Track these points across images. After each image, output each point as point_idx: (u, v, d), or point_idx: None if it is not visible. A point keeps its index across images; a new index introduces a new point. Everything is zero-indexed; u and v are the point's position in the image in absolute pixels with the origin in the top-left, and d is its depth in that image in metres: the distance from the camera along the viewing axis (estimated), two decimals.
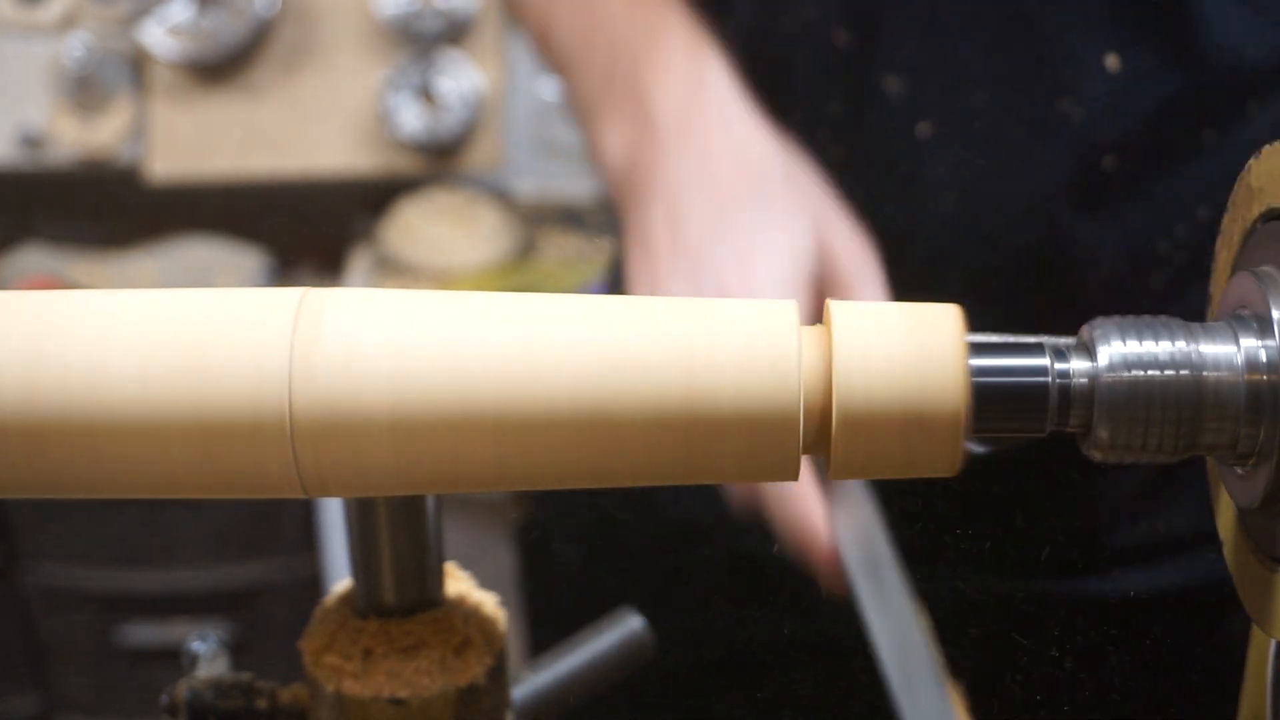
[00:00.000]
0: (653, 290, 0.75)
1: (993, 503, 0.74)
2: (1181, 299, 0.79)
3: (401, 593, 0.57)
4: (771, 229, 0.73)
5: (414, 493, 0.55)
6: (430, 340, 0.43)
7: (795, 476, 0.44)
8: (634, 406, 0.42)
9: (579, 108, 0.86)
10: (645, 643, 0.66)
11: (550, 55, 0.90)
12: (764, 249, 0.72)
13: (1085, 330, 0.45)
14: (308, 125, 2.22)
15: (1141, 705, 0.79)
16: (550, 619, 0.75)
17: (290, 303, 0.43)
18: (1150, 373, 0.43)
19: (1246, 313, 0.45)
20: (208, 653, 0.61)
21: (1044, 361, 0.44)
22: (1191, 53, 0.77)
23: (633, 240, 0.78)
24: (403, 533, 0.57)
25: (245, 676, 0.60)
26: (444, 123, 2.20)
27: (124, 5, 2.19)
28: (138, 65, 2.20)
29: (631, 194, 0.79)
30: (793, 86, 0.83)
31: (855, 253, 0.75)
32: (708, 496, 0.70)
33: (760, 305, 0.44)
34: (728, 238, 0.73)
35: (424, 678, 0.55)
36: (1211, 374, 0.43)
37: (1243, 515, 0.46)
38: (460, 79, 2.21)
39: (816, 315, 0.71)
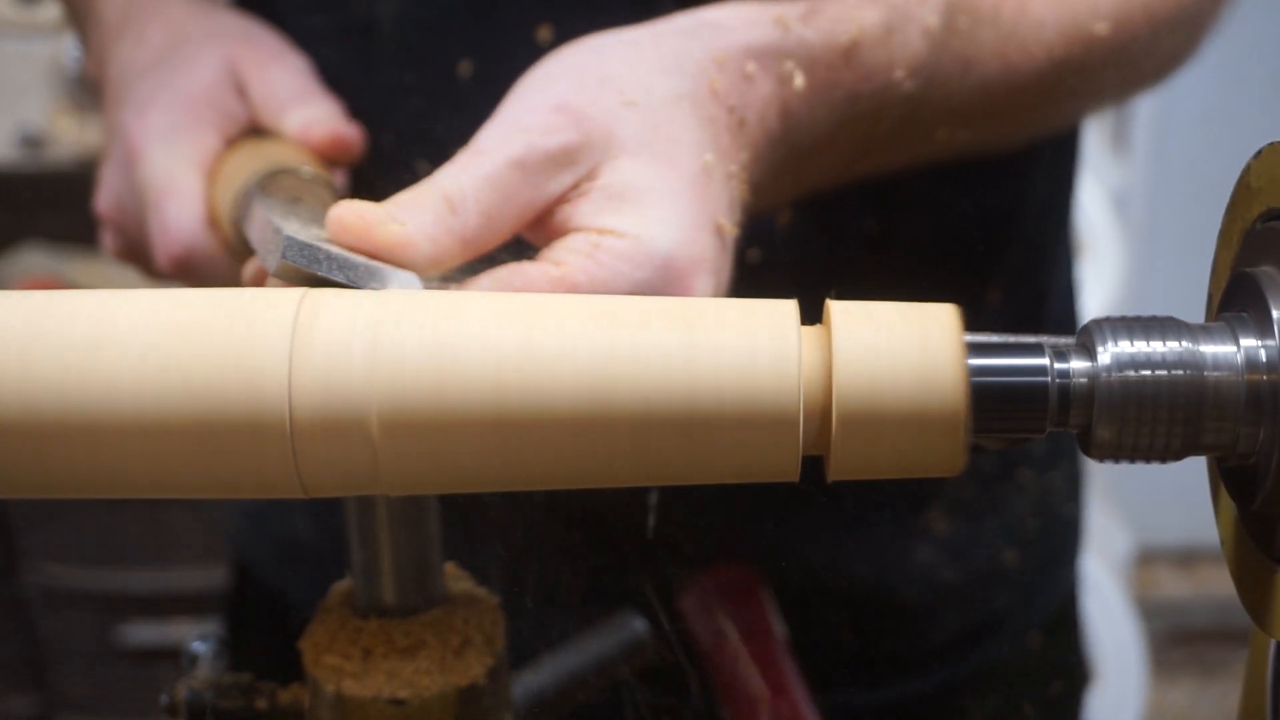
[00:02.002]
0: (104, 166, 0.77)
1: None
2: None
3: (401, 593, 0.57)
4: (172, 77, 0.75)
5: (413, 492, 0.55)
6: (430, 340, 0.43)
7: (795, 476, 0.44)
8: (633, 407, 0.42)
9: (80, 42, 0.92)
10: (645, 643, 0.66)
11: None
12: (159, 96, 0.74)
13: (1085, 330, 0.45)
14: None
15: None
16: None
17: (290, 303, 0.43)
18: (1150, 373, 0.43)
19: (1246, 313, 0.45)
20: (208, 653, 0.61)
21: (1044, 361, 0.44)
22: None
23: (106, 132, 0.81)
24: (403, 533, 0.57)
25: (245, 676, 0.60)
26: None
27: None
28: None
29: (102, 93, 0.82)
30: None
31: (276, 72, 0.76)
32: None
33: (760, 305, 0.44)
34: (135, 97, 0.75)
35: (424, 678, 0.55)
36: (1211, 374, 0.43)
37: (1243, 515, 0.46)
38: None
39: (222, 142, 0.72)
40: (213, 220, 0.70)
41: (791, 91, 0.61)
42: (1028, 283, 0.91)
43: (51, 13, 2.21)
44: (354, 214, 0.52)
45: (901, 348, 0.42)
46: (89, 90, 2.17)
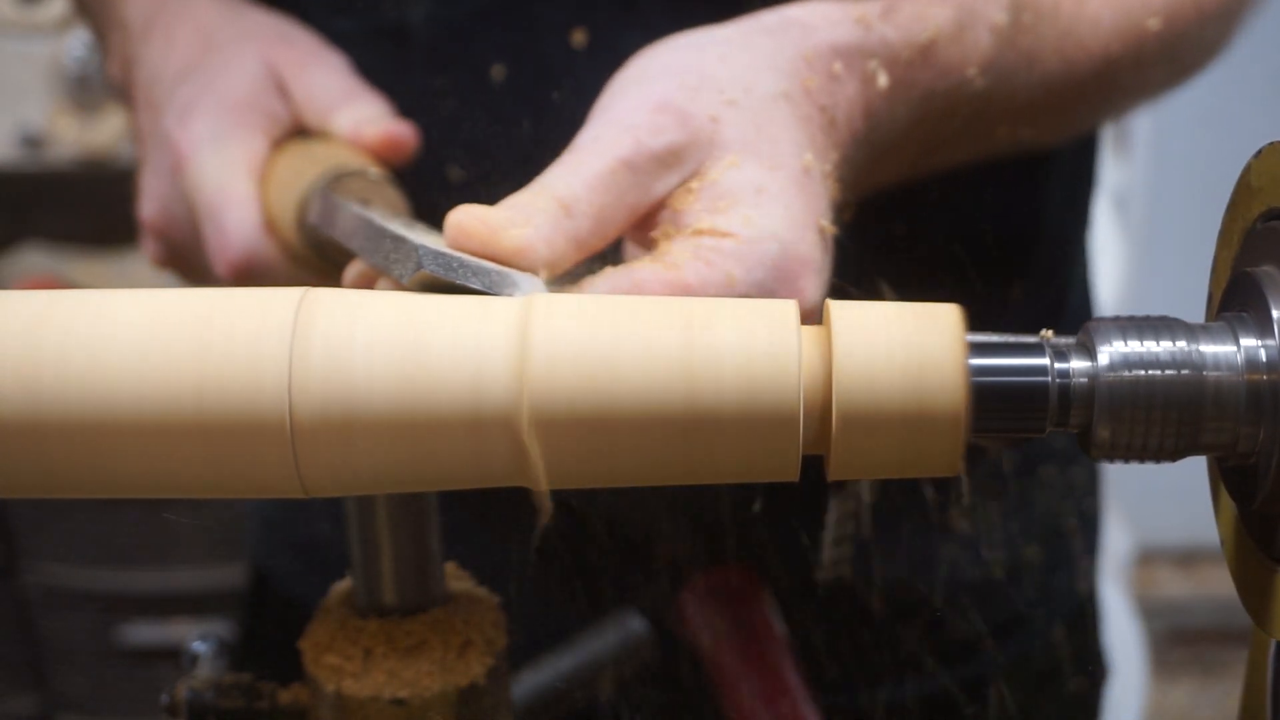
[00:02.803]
0: (145, 174, 0.76)
1: None
2: None
3: (401, 593, 0.57)
4: (213, 81, 0.74)
5: (414, 490, 0.55)
6: (429, 340, 0.43)
7: (795, 476, 0.44)
8: (634, 406, 0.42)
9: (99, 44, 0.90)
10: (645, 643, 0.66)
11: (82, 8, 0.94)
12: (200, 101, 0.73)
13: (1085, 330, 0.45)
14: None
15: None
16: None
17: (290, 302, 0.43)
18: (1150, 372, 0.43)
19: (1246, 313, 0.45)
20: (208, 653, 0.61)
21: (1044, 361, 0.44)
22: None
23: (135, 139, 0.80)
24: (403, 533, 0.57)
25: (245, 676, 0.60)
26: None
27: None
28: None
29: (128, 97, 0.82)
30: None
31: (317, 72, 0.75)
32: None
33: (760, 305, 0.44)
34: (175, 102, 0.74)
35: (424, 678, 0.55)
36: (1212, 374, 0.43)
37: (1243, 515, 0.46)
38: None
39: (270, 144, 0.72)
40: (269, 224, 0.70)
41: (875, 90, 0.62)
42: (1050, 281, 0.91)
43: (51, 13, 2.20)
44: (476, 219, 0.51)
45: (901, 347, 0.42)
46: (92, 90, 2.17)
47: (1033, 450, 0.91)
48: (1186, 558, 2.81)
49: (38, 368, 0.42)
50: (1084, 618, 0.99)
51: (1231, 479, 0.46)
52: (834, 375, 0.42)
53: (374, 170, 0.70)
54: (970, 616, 0.90)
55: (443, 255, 0.49)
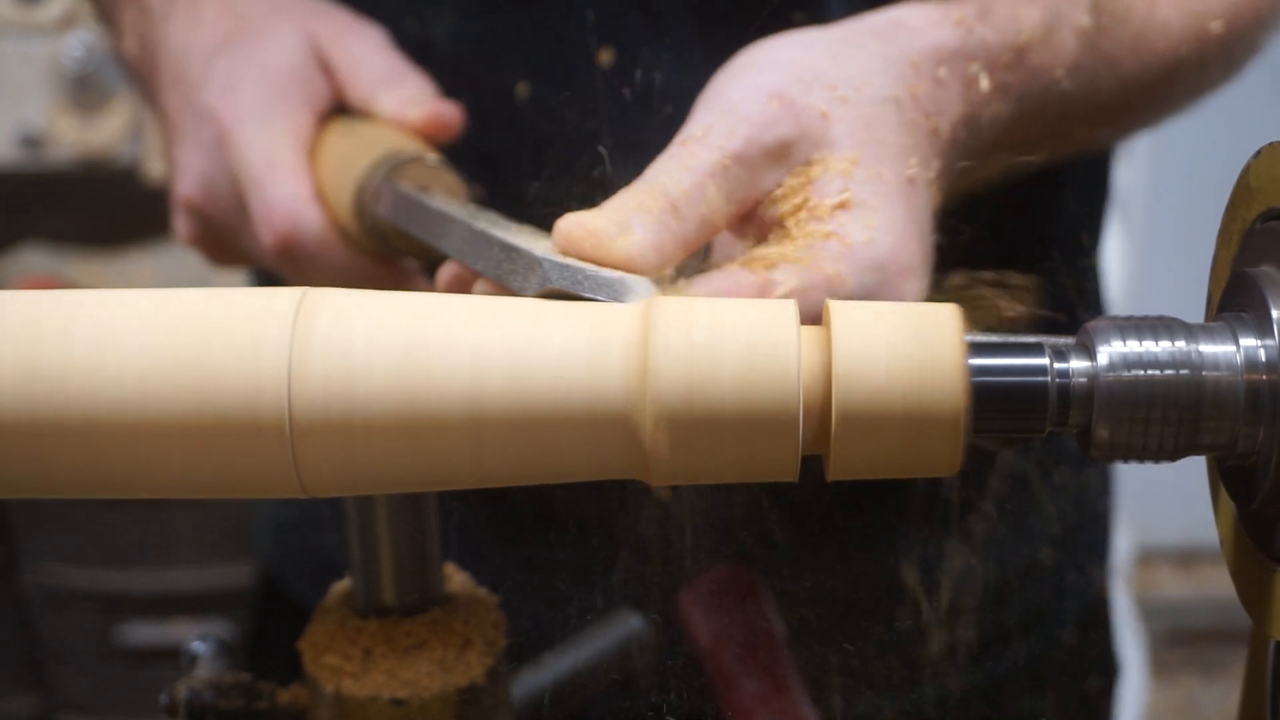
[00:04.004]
0: (172, 150, 0.75)
1: None
2: None
3: (401, 593, 0.57)
4: (253, 55, 0.73)
5: (415, 490, 0.55)
6: (430, 341, 0.43)
7: (795, 476, 0.44)
8: (634, 406, 0.42)
9: (106, 24, 0.89)
10: (645, 642, 0.66)
11: None
12: (243, 75, 0.72)
13: (1085, 330, 0.45)
14: None
15: None
16: None
17: (290, 303, 0.43)
18: (1150, 372, 0.43)
19: (1246, 313, 0.45)
20: (208, 653, 0.61)
21: (1043, 361, 0.44)
22: None
23: (158, 117, 0.79)
24: (403, 533, 0.57)
25: (245, 676, 0.60)
26: None
27: None
28: None
29: (148, 77, 0.80)
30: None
31: (358, 47, 0.75)
32: None
33: (760, 305, 0.44)
34: (214, 77, 0.73)
35: (424, 678, 0.55)
36: (1211, 374, 0.43)
37: (1243, 515, 0.46)
38: None
39: (315, 120, 0.71)
40: (319, 198, 0.69)
41: (977, 94, 0.61)
42: (1060, 294, 0.91)
43: (51, 13, 2.20)
44: (584, 229, 0.51)
45: (901, 347, 0.42)
46: (92, 90, 2.17)
47: (1047, 453, 0.91)
48: (1186, 558, 2.81)
49: (37, 368, 0.42)
50: (1097, 618, 0.99)
51: (1231, 479, 0.46)
52: (834, 375, 0.42)
53: (431, 156, 0.69)
54: (985, 619, 0.90)
55: (567, 268, 0.49)
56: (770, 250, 0.53)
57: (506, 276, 0.51)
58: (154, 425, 0.42)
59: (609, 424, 0.42)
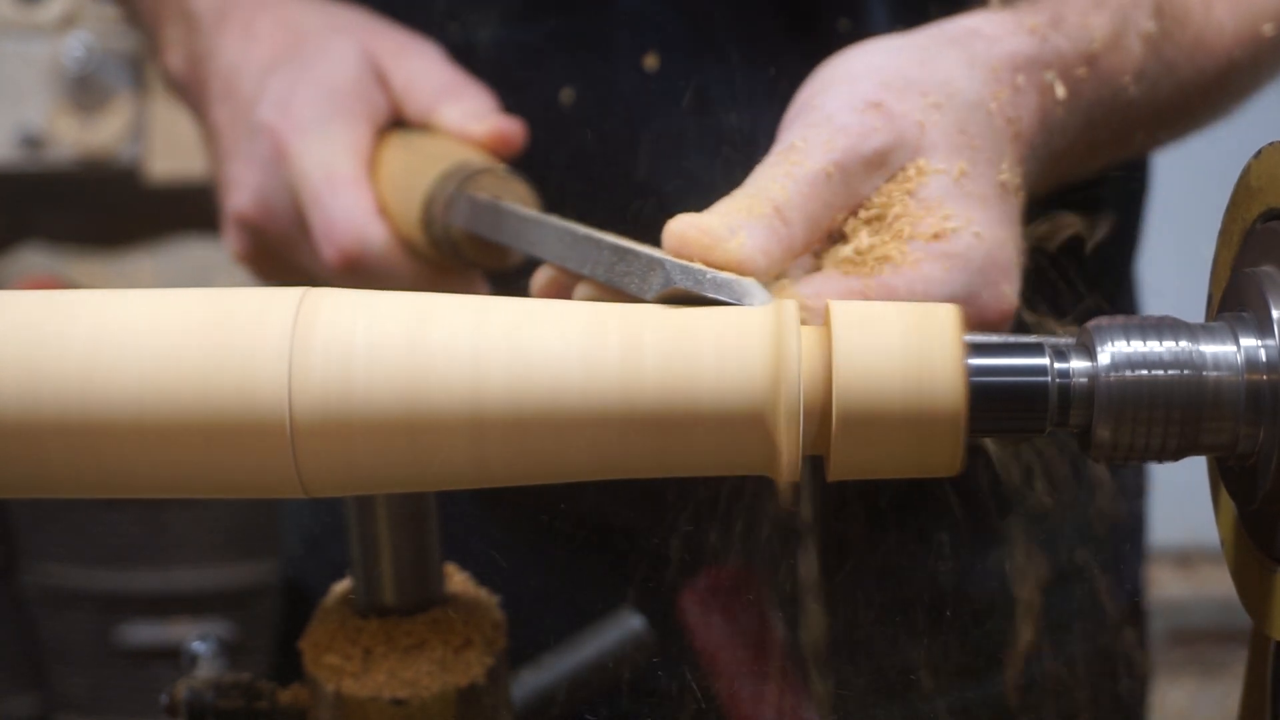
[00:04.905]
0: (224, 166, 0.75)
1: None
2: None
3: (401, 593, 0.57)
4: (310, 69, 0.73)
5: (415, 490, 0.55)
6: (430, 341, 0.43)
7: (796, 475, 0.44)
8: (636, 405, 0.42)
9: (144, 36, 0.88)
10: (645, 642, 0.66)
11: None
12: (300, 89, 0.72)
13: (1085, 330, 0.45)
14: None
15: None
16: None
17: (290, 303, 0.43)
18: (1150, 372, 0.43)
19: (1246, 313, 0.45)
20: (208, 653, 0.61)
21: (1044, 361, 0.44)
22: None
23: (206, 132, 0.79)
24: (403, 533, 0.57)
25: (245, 676, 0.60)
26: None
27: None
28: (138, 65, 2.20)
29: (196, 91, 0.80)
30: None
31: (416, 61, 0.74)
32: None
33: (761, 307, 0.44)
34: (270, 92, 0.73)
35: (424, 678, 0.55)
36: (1211, 374, 0.43)
37: (1243, 515, 0.46)
38: None
39: (374, 133, 0.71)
40: (382, 212, 0.68)
41: (1053, 102, 0.61)
42: (1094, 301, 0.91)
43: (51, 13, 2.20)
44: (697, 230, 0.51)
45: (901, 347, 0.42)
46: (92, 91, 2.17)
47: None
48: (1186, 558, 2.81)
49: (37, 368, 0.42)
50: (1130, 620, 0.99)
51: (1231, 479, 0.46)
52: (834, 375, 0.42)
53: (500, 166, 0.69)
54: (1021, 622, 0.90)
55: (689, 270, 0.49)
56: (873, 254, 0.54)
57: (620, 279, 0.51)
58: (154, 425, 0.42)
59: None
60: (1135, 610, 1.00)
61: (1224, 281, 0.48)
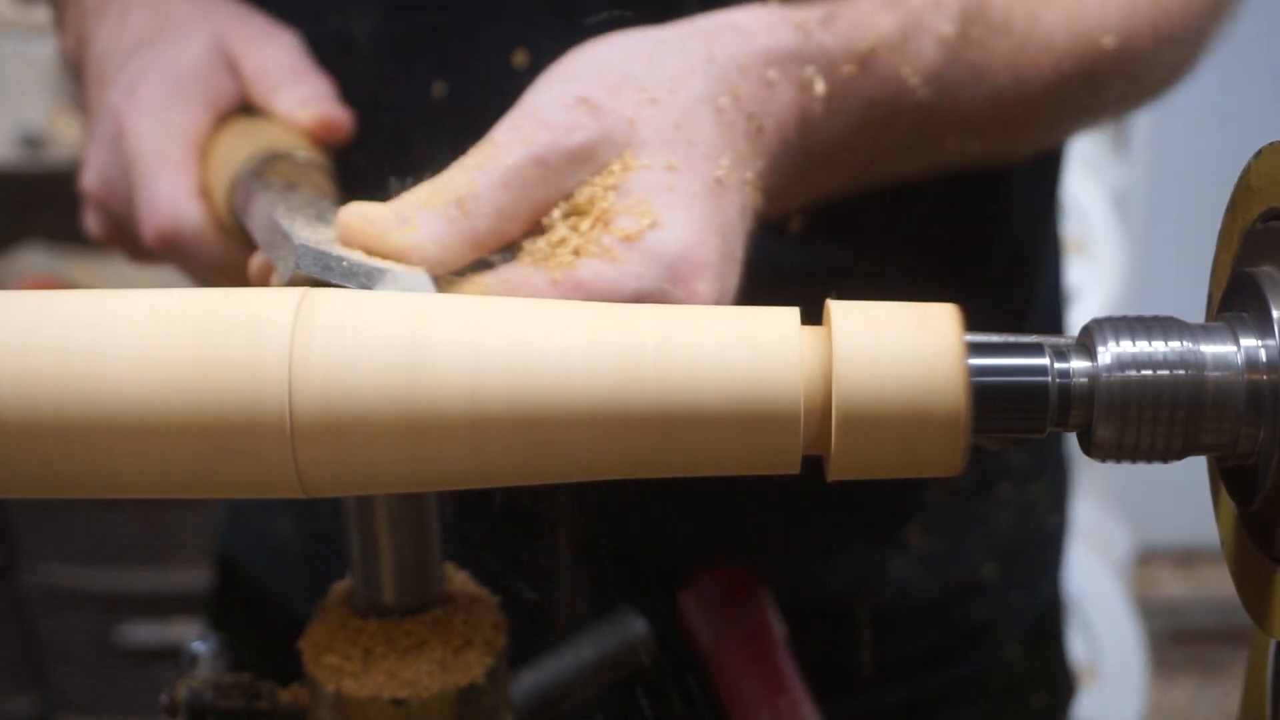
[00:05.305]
0: (90, 145, 0.76)
1: None
2: None
3: (401, 593, 0.57)
4: (161, 56, 0.74)
5: (415, 490, 0.55)
6: (431, 341, 0.43)
7: (796, 473, 0.44)
8: (636, 405, 0.42)
9: (56, 22, 0.90)
10: (645, 643, 0.66)
11: None
12: (148, 75, 0.73)
13: (1086, 329, 0.45)
14: None
15: None
16: None
17: (290, 303, 0.43)
18: (1150, 372, 0.43)
19: (1246, 313, 0.45)
20: (208, 653, 0.61)
21: (1044, 361, 0.44)
22: None
23: (86, 113, 0.80)
24: (403, 533, 0.57)
25: (245, 676, 0.60)
26: None
27: None
28: None
29: (81, 75, 0.81)
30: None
31: (269, 49, 0.75)
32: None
33: (762, 308, 0.44)
34: (124, 76, 0.74)
35: (424, 678, 0.55)
36: (1211, 374, 0.43)
37: (1243, 515, 0.46)
38: None
39: (213, 117, 0.71)
40: (205, 196, 0.69)
41: (811, 98, 0.61)
42: (1011, 291, 0.91)
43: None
44: (362, 219, 0.52)
45: (902, 347, 0.42)
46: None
47: (992, 468, 0.91)
48: (1186, 558, 2.81)
49: (37, 368, 0.42)
50: (1045, 635, 0.98)
51: (1231, 479, 0.46)
52: (834, 375, 0.42)
53: (304, 153, 0.69)
54: (924, 632, 0.90)
55: (321, 255, 0.50)
56: (566, 247, 0.54)
57: (276, 262, 0.52)
58: (154, 425, 0.42)
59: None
60: (1049, 627, 1.00)
61: (1224, 281, 0.48)
